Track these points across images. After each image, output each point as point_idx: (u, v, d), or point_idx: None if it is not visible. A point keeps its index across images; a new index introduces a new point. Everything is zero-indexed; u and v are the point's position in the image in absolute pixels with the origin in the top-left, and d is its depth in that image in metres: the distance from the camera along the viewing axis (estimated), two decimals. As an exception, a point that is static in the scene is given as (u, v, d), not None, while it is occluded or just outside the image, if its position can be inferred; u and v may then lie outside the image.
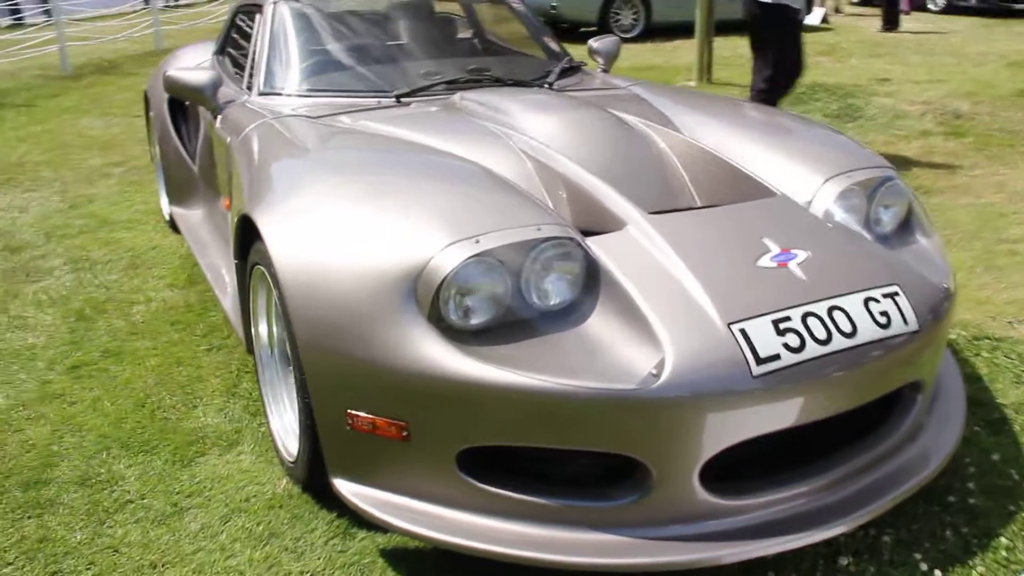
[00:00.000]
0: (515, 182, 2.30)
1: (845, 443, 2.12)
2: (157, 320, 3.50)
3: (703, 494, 1.89)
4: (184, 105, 4.31)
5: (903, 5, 12.70)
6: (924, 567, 2.06)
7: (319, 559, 2.12)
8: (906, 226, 2.48)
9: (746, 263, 2.04)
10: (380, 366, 1.90)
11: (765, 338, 1.86)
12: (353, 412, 1.97)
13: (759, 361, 1.83)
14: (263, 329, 2.54)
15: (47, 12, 14.07)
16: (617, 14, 11.83)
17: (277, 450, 2.48)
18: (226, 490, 2.39)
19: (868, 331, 1.96)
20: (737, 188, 2.44)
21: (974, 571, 2.05)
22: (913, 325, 2.04)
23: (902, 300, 2.06)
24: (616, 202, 2.24)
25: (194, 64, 4.18)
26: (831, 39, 11.63)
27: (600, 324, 1.93)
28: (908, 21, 12.71)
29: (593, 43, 4.06)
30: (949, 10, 13.89)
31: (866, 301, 2.01)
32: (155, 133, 4.56)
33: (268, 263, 2.16)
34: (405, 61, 3.47)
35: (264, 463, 2.51)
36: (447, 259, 1.90)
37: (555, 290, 1.98)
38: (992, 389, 2.86)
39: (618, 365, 1.83)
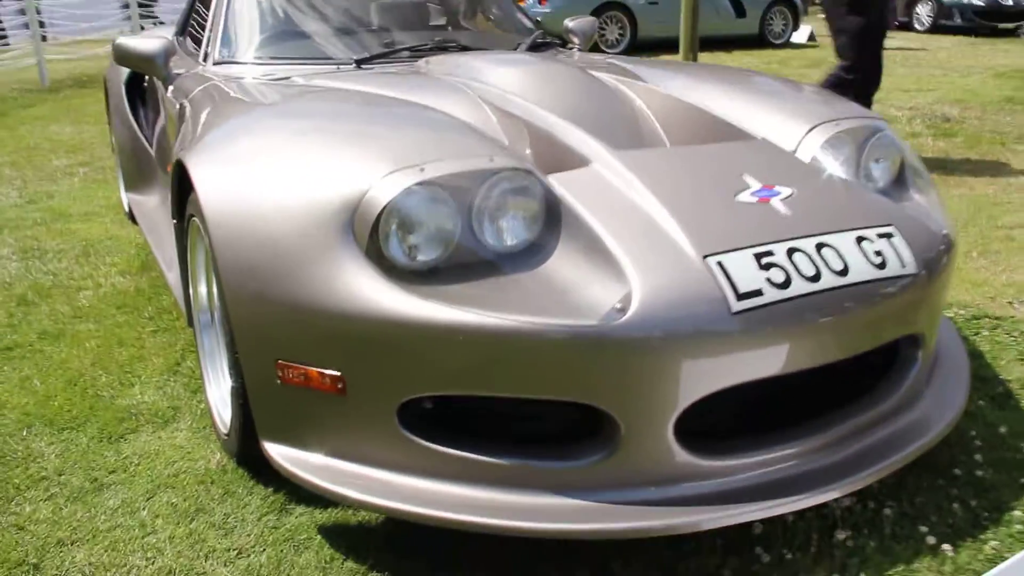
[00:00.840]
0: (472, 125, 2.10)
1: (839, 404, 1.90)
2: (104, 304, 3.27)
3: (680, 453, 1.67)
4: (142, 88, 4.11)
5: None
6: (931, 540, 1.83)
7: (249, 535, 1.88)
8: (901, 181, 2.27)
9: (724, 198, 1.84)
10: (312, 308, 1.68)
11: (745, 272, 1.65)
12: (284, 363, 1.75)
13: (739, 296, 1.62)
14: (202, 290, 2.32)
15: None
16: (603, 29, 11.76)
17: (214, 422, 2.25)
18: (154, 466, 2.15)
19: (862, 270, 1.76)
20: (714, 132, 2.24)
21: (986, 545, 1.83)
22: (911, 267, 1.84)
23: (898, 241, 1.86)
24: (580, 139, 2.03)
25: None
26: (818, 55, 11.56)
27: (562, 264, 1.72)
28: (895, 40, 12.67)
29: (569, 23, 3.88)
30: (934, 29, 13.88)
31: (858, 240, 1.81)
32: (113, 120, 4.36)
33: (200, 209, 1.94)
34: (368, 32, 3.28)
35: (200, 439, 2.28)
36: (388, 187, 1.69)
37: (511, 229, 1.77)
38: (995, 366, 2.66)
39: (580, 302, 1.62)
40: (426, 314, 1.60)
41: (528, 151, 2.10)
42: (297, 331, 1.72)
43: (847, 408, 1.89)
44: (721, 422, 1.83)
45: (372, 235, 1.67)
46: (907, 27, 14.25)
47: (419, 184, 1.69)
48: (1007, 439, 2.23)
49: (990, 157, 5.38)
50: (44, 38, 12.57)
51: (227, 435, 2.13)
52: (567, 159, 1.99)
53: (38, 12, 11.98)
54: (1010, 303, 3.13)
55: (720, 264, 1.65)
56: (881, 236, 1.84)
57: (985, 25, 13.40)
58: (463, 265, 1.72)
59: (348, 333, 1.66)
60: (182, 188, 2.19)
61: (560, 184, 1.85)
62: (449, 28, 3.76)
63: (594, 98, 2.36)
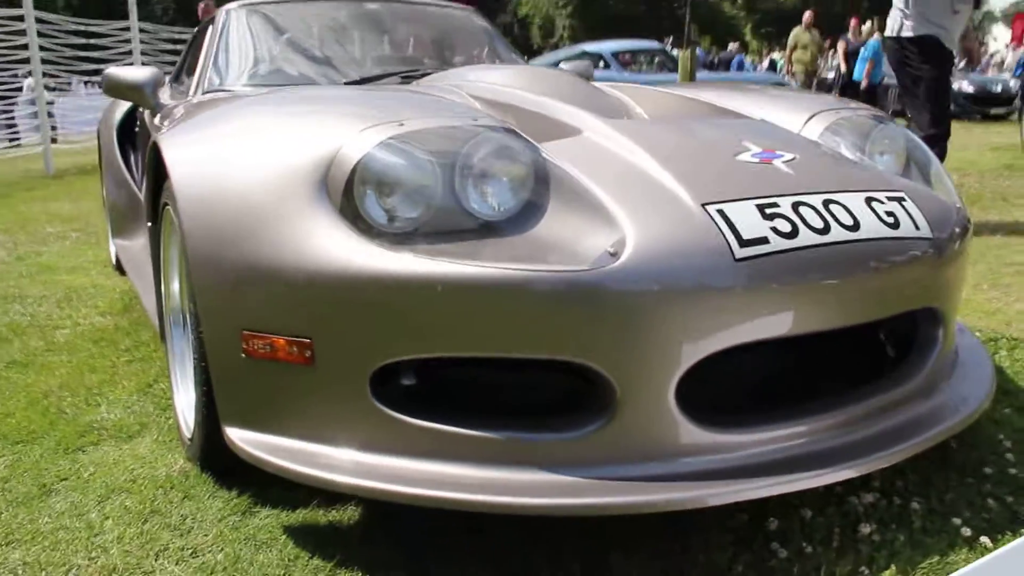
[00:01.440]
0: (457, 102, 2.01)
1: (857, 385, 1.74)
2: (79, 340, 3.12)
3: (684, 423, 1.51)
4: (134, 135, 4.08)
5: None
6: (967, 532, 1.65)
7: (206, 536, 1.70)
8: (909, 172, 2.16)
9: (723, 157, 1.73)
10: (281, 269, 1.55)
11: (749, 220, 1.53)
12: (250, 333, 1.60)
13: (742, 243, 1.49)
14: (174, 287, 2.19)
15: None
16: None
17: (179, 429, 2.08)
18: (111, 473, 1.98)
19: (874, 227, 1.63)
20: (710, 112, 2.15)
21: (1027, 539, 1.63)
22: (926, 231, 1.71)
23: (910, 206, 1.74)
24: (570, 112, 1.94)
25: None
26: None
27: (552, 224, 1.58)
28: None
29: (564, 65, 3.88)
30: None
31: (868, 200, 1.68)
32: (104, 169, 4.31)
33: (171, 186, 1.83)
34: (358, 64, 3.26)
35: (165, 450, 2.10)
36: (362, 142, 1.58)
37: (497, 193, 1.63)
38: (1017, 380, 2.49)
39: (570, 251, 1.48)
40: (401, 267, 1.47)
41: (516, 125, 2.01)
42: (265, 296, 1.58)
43: (864, 388, 1.73)
44: (730, 398, 1.67)
45: (347, 193, 1.55)
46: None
47: (396, 138, 1.58)
48: (1040, 442, 2.06)
49: (993, 210, 5.31)
50: (55, 140, 12.81)
51: (191, 439, 1.96)
52: (557, 131, 1.89)
53: (49, 116, 12.24)
54: (1027, 327, 2.99)
55: (721, 212, 1.53)
56: (892, 199, 1.72)
57: (977, 110, 13.62)
58: (446, 232, 1.59)
59: (318, 293, 1.53)
60: (158, 177, 2.09)
61: (550, 150, 1.74)
62: (436, 50, 3.73)
63: (582, 87, 2.28)
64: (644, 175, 1.64)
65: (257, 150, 1.70)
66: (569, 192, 1.61)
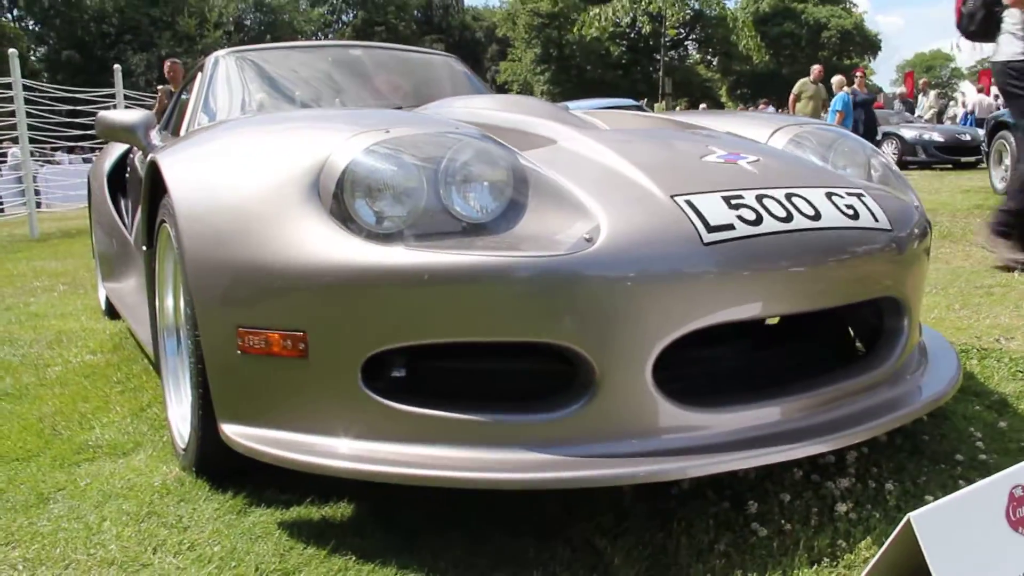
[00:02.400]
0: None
1: (827, 370, 1.83)
2: (71, 375, 3.16)
3: (662, 402, 1.58)
4: (124, 181, 4.18)
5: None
6: (936, 508, 1.71)
7: (203, 532, 1.74)
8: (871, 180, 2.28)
9: (689, 158, 1.84)
10: (275, 267, 1.63)
11: (715, 209, 1.63)
12: (245, 329, 1.67)
13: (710, 229, 1.59)
14: (168, 303, 2.25)
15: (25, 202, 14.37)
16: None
17: (173, 440, 2.12)
18: (107, 482, 2.02)
19: (834, 217, 1.73)
20: (675, 126, 2.27)
21: (996, 511, 1.70)
22: (884, 224, 1.81)
23: (869, 201, 1.85)
24: (545, 126, 2.06)
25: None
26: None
27: (532, 222, 1.67)
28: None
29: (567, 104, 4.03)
30: (900, 165, 14.39)
31: (828, 195, 1.79)
32: (94, 214, 4.40)
33: (170, 207, 1.90)
34: (343, 105, 3.38)
35: (160, 462, 2.14)
36: (351, 147, 1.68)
37: (479, 197, 1.74)
38: (988, 384, 2.58)
39: (548, 240, 1.58)
40: (389, 258, 1.56)
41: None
42: (259, 292, 1.66)
43: (833, 373, 1.81)
44: (708, 384, 1.74)
45: (336, 196, 1.65)
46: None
47: (383, 143, 1.68)
48: (1008, 432, 2.14)
49: (963, 243, 5.47)
50: (39, 204, 12.92)
51: (185, 448, 2.01)
52: (534, 141, 2.00)
53: (34, 179, 12.35)
54: (996, 340, 3.09)
55: (689, 202, 1.63)
56: (851, 195, 1.83)
57: (947, 159, 13.99)
58: (431, 234, 1.68)
59: (311, 287, 1.60)
60: (154, 197, 2.17)
61: (528, 156, 1.85)
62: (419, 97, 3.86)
63: (556, 109, 2.41)
64: (616, 173, 1.74)
65: (251, 158, 1.80)
66: (546, 191, 1.71)
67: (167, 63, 9.03)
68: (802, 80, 12.83)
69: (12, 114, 10.65)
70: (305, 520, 1.78)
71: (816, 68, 12.93)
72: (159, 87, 9.44)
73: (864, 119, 12.77)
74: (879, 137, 14.08)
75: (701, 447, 1.58)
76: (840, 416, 1.72)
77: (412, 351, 1.65)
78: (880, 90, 13.53)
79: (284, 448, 1.63)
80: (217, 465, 1.92)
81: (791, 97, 13.01)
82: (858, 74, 13.84)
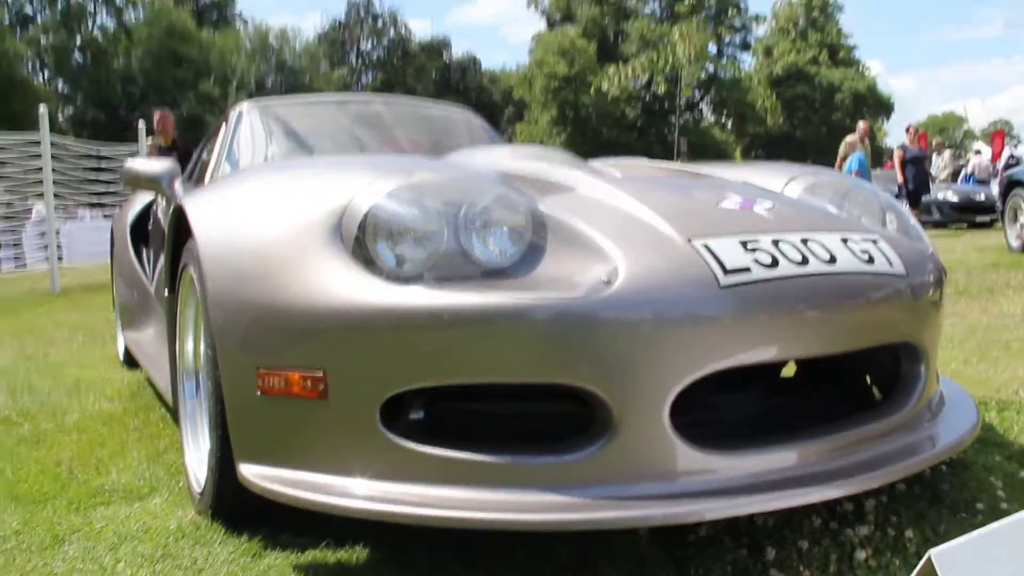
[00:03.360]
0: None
1: (845, 417, 1.82)
2: (89, 421, 3.18)
3: (679, 443, 1.58)
4: (147, 232, 4.25)
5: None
6: (958, 556, 1.68)
7: (218, 574, 1.73)
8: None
9: (706, 204, 1.87)
10: (296, 308, 1.66)
11: (732, 253, 1.65)
12: (265, 371, 1.69)
13: (726, 272, 1.60)
14: (188, 347, 2.28)
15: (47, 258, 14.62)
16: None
17: (189, 484, 2.13)
18: (123, 525, 2.02)
19: (850, 262, 1.75)
20: (691, 174, 2.31)
21: None
22: (900, 269, 1.82)
23: (884, 246, 1.86)
24: (562, 173, 2.09)
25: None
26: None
27: (550, 267, 1.69)
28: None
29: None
30: (915, 226, 14.46)
31: (844, 240, 1.81)
32: (116, 264, 4.46)
33: (194, 250, 1.94)
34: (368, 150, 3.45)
35: (175, 507, 2.14)
36: (374, 191, 1.72)
37: (499, 242, 1.76)
38: (1008, 435, 2.55)
39: (566, 283, 1.60)
40: (409, 299, 1.58)
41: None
42: (280, 333, 1.68)
43: (852, 418, 1.81)
44: (723, 429, 1.74)
45: (359, 239, 1.68)
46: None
47: (405, 188, 1.72)
48: (1030, 483, 2.11)
49: (979, 299, 5.45)
50: (60, 259, 13.13)
51: (201, 492, 2.01)
52: (553, 188, 2.03)
53: (57, 233, 12.57)
54: (1015, 392, 3.06)
55: (706, 246, 1.65)
56: (866, 240, 1.85)
57: (962, 219, 14.00)
58: (451, 277, 1.69)
59: (331, 327, 1.63)
60: (177, 242, 2.22)
61: (547, 203, 1.88)
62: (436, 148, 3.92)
63: (574, 158, 2.45)
64: (634, 218, 1.77)
65: (275, 202, 1.84)
66: (565, 236, 1.74)
67: (156, 113, 8.30)
68: (849, 139, 12.17)
69: (39, 170, 10.90)
70: (321, 563, 1.78)
71: (862, 125, 12.23)
72: (148, 140, 8.52)
73: (915, 176, 11.97)
74: (930, 195, 13.16)
75: (718, 490, 1.57)
76: (858, 461, 1.71)
77: (431, 392, 1.66)
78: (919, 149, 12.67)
79: (301, 488, 1.64)
80: (233, 508, 1.91)
81: (838, 159, 12.25)
82: (911, 129, 12.91)
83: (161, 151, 7.55)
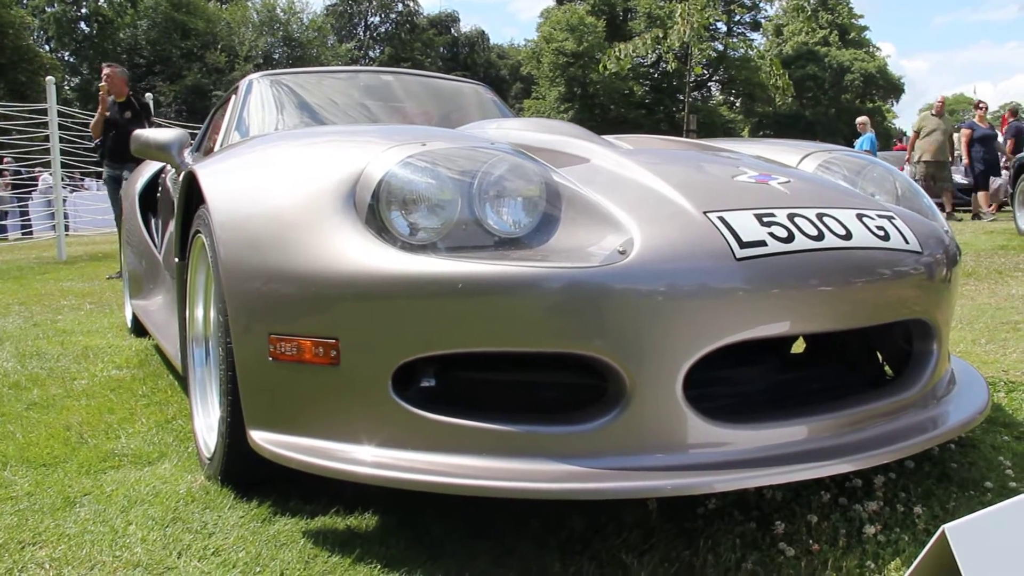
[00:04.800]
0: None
1: (855, 392, 1.82)
2: (98, 387, 3.19)
3: (692, 415, 1.58)
4: (155, 200, 4.25)
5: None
6: (966, 532, 1.68)
7: (228, 537, 1.74)
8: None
9: (721, 177, 1.86)
10: (310, 274, 1.65)
11: (748, 226, 1.63)
12: (277, 336, 1.69)
13: (742, 245, 1.59)
14: (199, 313, 2.28)
15: (53, 226, 14.64)
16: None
17: (198, 450, 2.14)
18: (133, 489, 2.03)
19: (865, 238, 1.73)
20: (706, 148, 2.29)
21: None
22: (915, 246, 1.81)
23: (899, 223, 1.85)
24: (578, 146, 2.08)
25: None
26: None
27: (565, 237, 1.68)
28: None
29: None
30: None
31: (859, 216, 1.80)
32: (124, 233, 4.46)
33: (206, 216, 1.94)
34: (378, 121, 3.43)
35: (185, 471, 2.15)
36: (387, 159, 1.71)
37: (512, 212, 1.75)
38: (1017, 416, 2.55)
39: (582, 252, 1.59)
40: (423, 267, 1.57)
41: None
42: (293, 299, 1.68)
43: (863, 394, 1.81)
44: (734, 403, 1.74)
45: (372, 206, 1.67)
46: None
47: (419, 156, 1.71)
48: (1038, 462, 2.11)
49: (988, 280, 5.43)
50: (67, 228, 13.14)
51: (210, 458, 2.02)
52: (567, 160, 2.01)
53: (64, 203, 12.58)
54: (1023, 373, 3.06)
55: (721, 218, 1.64)
56: (882, 216, 1.84)
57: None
58: (464, 246, 1.69)
59: (344, 295, 1.62)
60: (188, 208, 2.21)
61: (560, 175, 1.86)
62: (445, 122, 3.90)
63: (588, 132, 2.43)
64: (649, 190, 1.76)
65: (288, 169, 1.83)
66: (580, 206, 1.73)
67: (104, 68, 7.54)
68: (923, 114, 11.67)
69: (46, 139, 10.88)
70: (330, 529, 1.78)
71: (939, 100, 11.70)
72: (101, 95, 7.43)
73: (984, 156, 11.48)
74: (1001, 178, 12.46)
75: (728, 463, 1.57)
76: (868, 437, 1.71)
77: (442, 361, 1.66)
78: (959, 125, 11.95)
79: (312, 454, 1.64)
80: (243, 474, 1.92)
81: (911, 134, 11.84)
82: (979, 108, 12.40)
83: (120, 108, 7.51)
